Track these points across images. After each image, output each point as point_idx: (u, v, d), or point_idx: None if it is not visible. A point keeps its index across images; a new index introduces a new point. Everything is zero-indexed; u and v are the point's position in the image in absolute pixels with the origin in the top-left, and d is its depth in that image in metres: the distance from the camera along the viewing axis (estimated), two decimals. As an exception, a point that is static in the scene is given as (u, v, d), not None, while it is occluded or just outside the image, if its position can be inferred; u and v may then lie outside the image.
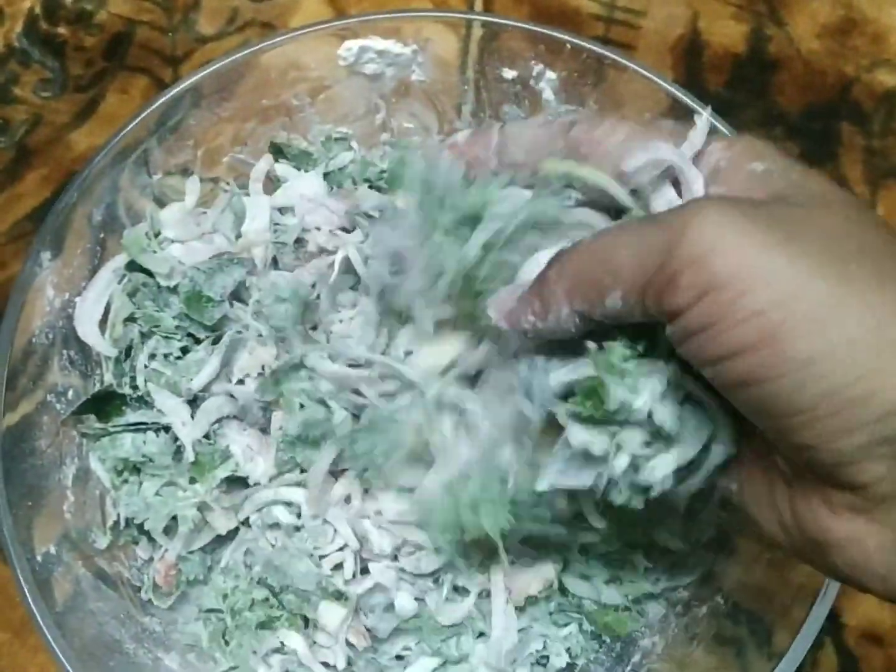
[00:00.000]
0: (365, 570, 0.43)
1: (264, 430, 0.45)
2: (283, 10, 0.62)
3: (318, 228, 0.47)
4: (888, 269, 0.27)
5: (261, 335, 0.44)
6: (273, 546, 0.43)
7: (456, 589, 0.43)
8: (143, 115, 0.44)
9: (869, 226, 0.28)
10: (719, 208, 0.27)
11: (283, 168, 0.49)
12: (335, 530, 0.42)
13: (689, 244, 0.26)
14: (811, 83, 0.61)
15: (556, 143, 0.34)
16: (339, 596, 0.42)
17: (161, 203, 0.47)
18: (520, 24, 0.48)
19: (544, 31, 0.47)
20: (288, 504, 0.43)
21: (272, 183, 0.50)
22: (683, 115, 0.46)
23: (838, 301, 0.25)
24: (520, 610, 0.44)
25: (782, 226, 0.27)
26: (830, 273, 0.26)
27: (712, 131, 0.34)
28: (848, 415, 0.25)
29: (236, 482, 0.44)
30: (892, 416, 0.25)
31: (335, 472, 0.43)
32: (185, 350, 0.45)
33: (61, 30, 0.63)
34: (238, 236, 0.48)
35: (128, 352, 0.45)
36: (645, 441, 0.30)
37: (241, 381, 0.44)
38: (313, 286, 0.45)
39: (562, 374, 0.32)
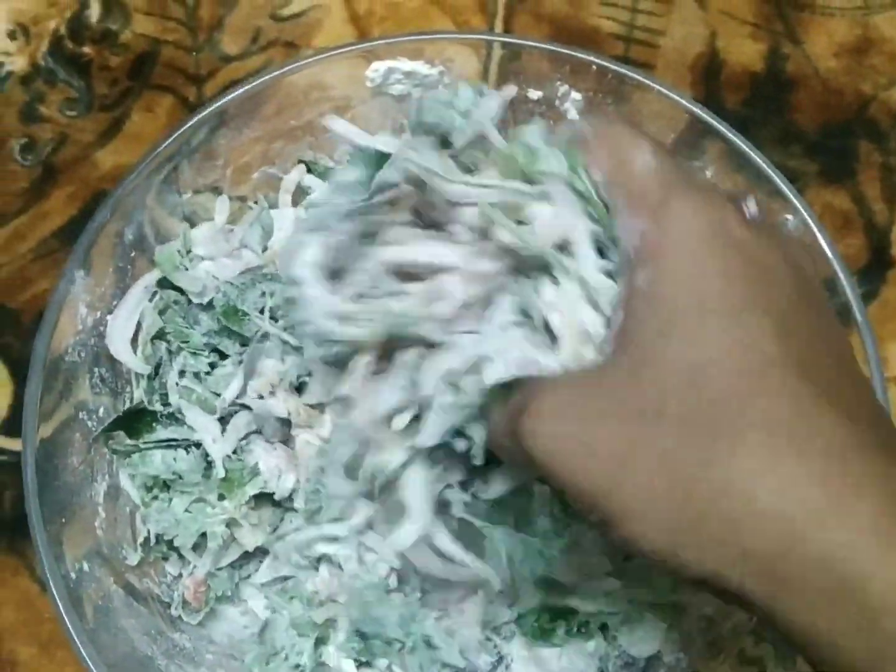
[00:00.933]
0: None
1: (286, 442, 0.45)
2: (306, 30, 0.63)
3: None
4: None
5: (286, 343, 0.44)
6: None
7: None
8: (174, 136, 0.45)
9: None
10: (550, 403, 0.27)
11: (311, 179, 0.50)
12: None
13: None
14: (829, 101, 0.62)
15: None
16: None
17: (191, 222, 0.48)
18: (543, 46, 0.48)
19: (564, 50, 0.48)
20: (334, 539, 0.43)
21: (302, 194, 0.51)
22: (703, 133, 0.47)
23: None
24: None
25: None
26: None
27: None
28: None
29: (263, 498, 0.45)
30: None
31: None
32: (212, 366, 0.46)
33: (87, 49, 0.64)
34: (265, 249, 0.49)
35: (157, 369, 0.45)
36: None
37: (262, 396, 0.45)
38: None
39: None
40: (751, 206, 0.31)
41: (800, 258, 0.29)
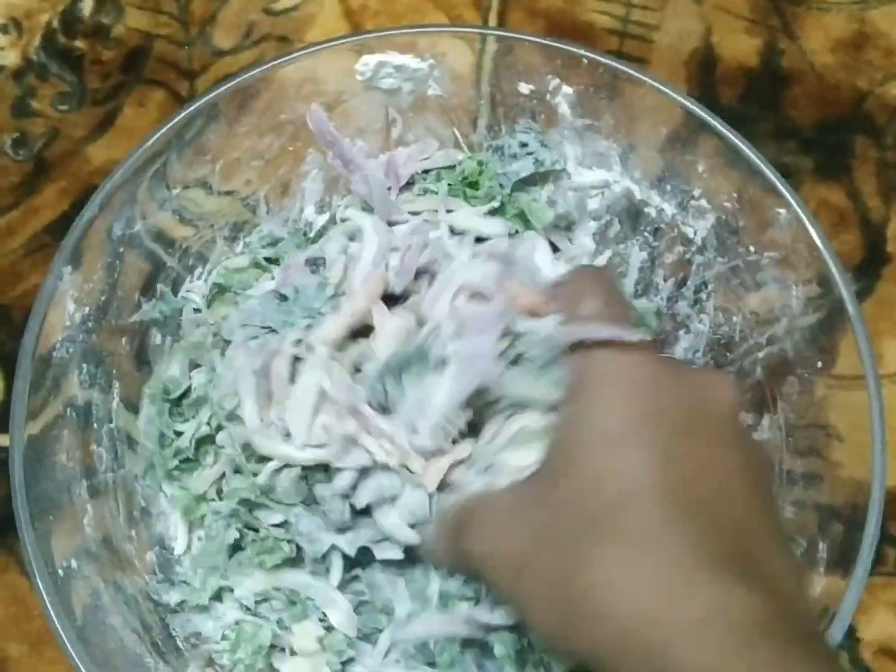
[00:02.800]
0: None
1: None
2: (299, 25, 0.63)
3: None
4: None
5: None
6: None
7: None
8: (163, 130, 0.45)
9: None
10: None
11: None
12: None
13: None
14: (824, 97, 0.61)
15: None
16: None
17: (180, 216, 0.48)
18: (534, 39, 0.48)
19: (558, 45, 0.47)
20: None
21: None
22: (697, 129, 0.46)
23: None
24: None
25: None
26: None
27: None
28: None
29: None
30: None
31: None
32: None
33: (79, 43, 0.63)
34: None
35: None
36: None
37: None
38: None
39: None
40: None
41: (706, 395, 0.33)
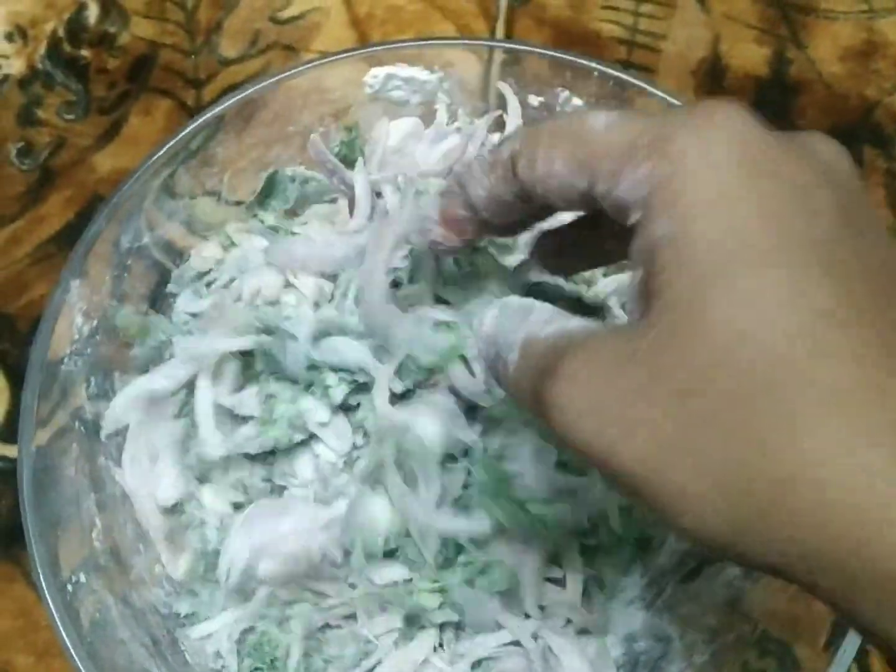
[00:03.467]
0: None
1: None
2: (305, 33, 0.63)
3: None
4: None
5: None
6: None
7: None
8: (172, 142, 0.45)
9: None
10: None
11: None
12: None
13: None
14: (833, 106, 0.61)
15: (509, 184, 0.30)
16: None
17: (188, 227, 0.48)
18: (544, 52, 0.48)
19: (566, 56, 0.47)
20: None
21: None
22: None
23: None
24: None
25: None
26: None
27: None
28: None
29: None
30: None
31: None
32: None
33: (84, 52, 0.63)
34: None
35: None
36: None
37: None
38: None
39: None
40: None
41: (836, 163, 0.26)
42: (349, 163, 0.49)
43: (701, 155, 0.24)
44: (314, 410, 0.42)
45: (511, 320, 0.28)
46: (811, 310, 0.22)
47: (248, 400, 0.42)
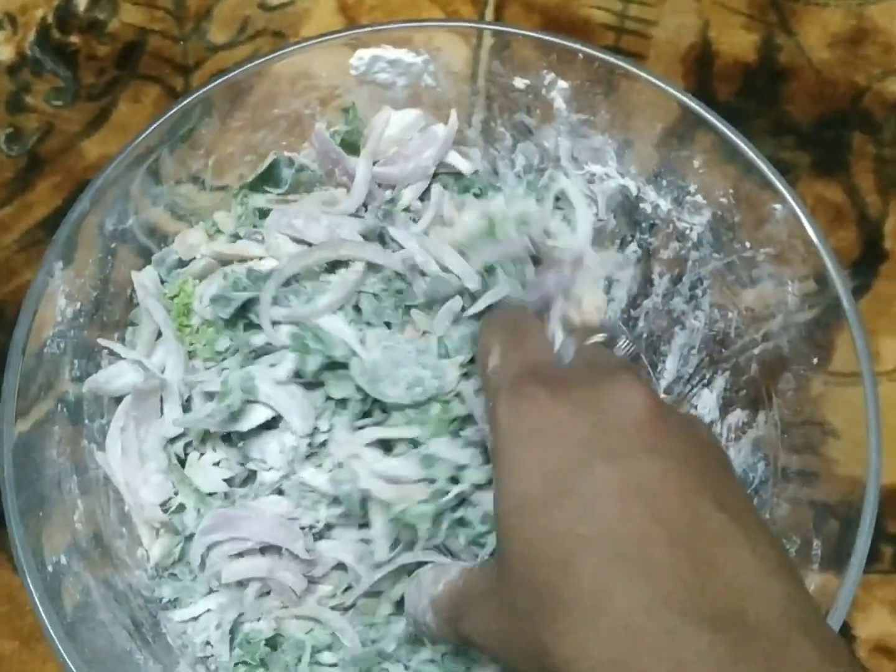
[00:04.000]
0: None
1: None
2: (294, 20, 0.62)
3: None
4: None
5: None
6: None
7: None
8: (156, 125, 0.44)
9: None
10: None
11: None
12: None
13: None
14: (822, 92, 0.61)
15: None
16: None
17: (173, 212, 0.48)
18: (530, 34, 0.48)
19: (555, 40, 0.47)
20: None
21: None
22: (694, 124, 0.46)
23: None
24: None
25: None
26: None
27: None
28: None
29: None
30: None
31: None
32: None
33: (73, 39, 0.63)
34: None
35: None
36: None
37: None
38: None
39: None
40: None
41: (623, 398, 0.31)
42: (347, 146, 0.49)
43: (509, 427, 0.32)
44: (263, 372, 0.42)
45: (417, 593, 0.38)
46: (579, 543, 0.29)
47: (213, 377, 0.42)
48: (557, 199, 0.50)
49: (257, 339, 0.43)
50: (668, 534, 0.28)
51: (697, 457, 0.30)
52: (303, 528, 0.42)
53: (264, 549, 0.43)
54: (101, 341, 0.44)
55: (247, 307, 0.43)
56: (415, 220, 0.47)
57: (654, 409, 0.31)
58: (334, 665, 0.43)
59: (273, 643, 0.43)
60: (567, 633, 0.28)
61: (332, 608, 0.43)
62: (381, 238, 0.46)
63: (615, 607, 0.27)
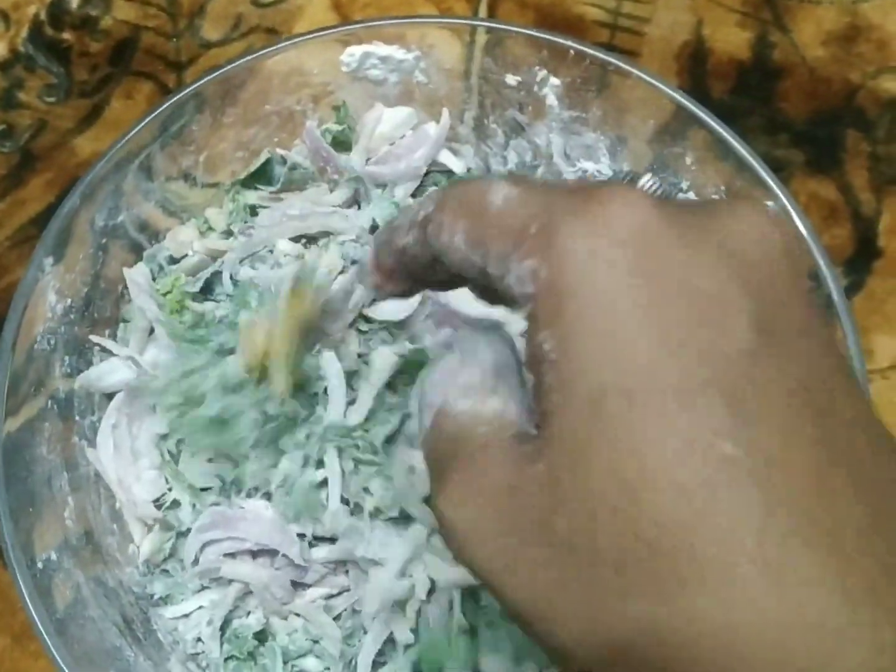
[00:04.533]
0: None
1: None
2: (288, 17, 0.62)
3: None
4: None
5: None
6: None
7: None
8: (147, 121, 0.44)
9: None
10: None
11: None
12: None
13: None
14: (816, 90, 0.61)
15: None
16: None
17: (164, 209, 0.47)
18: (524, 30, 0.48)
19: (548, 36, 0.47)
20: None
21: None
22: (687, 122, 0.46)
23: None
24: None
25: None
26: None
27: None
28: None
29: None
30: None
31: None
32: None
33: (66, 35, 0.63)
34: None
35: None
36: None
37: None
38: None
39: None
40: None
41: (761, 248, 0.22)
42: (338, 143, 0.49)
43: (589, 256, 0.21)
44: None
45: (442, 365, 0.26)
46: (710, 460, 0.19)
47: None
48: None
49: (220, 311, 0.43)
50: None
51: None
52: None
53: (256, 553, 0.43)
54: (94, 338, 0.44)
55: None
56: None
57: (797, 261, 0.22)
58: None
59: (262, 637, 0.43)
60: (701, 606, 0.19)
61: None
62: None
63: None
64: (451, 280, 0.27)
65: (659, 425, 0.19)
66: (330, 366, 0.42)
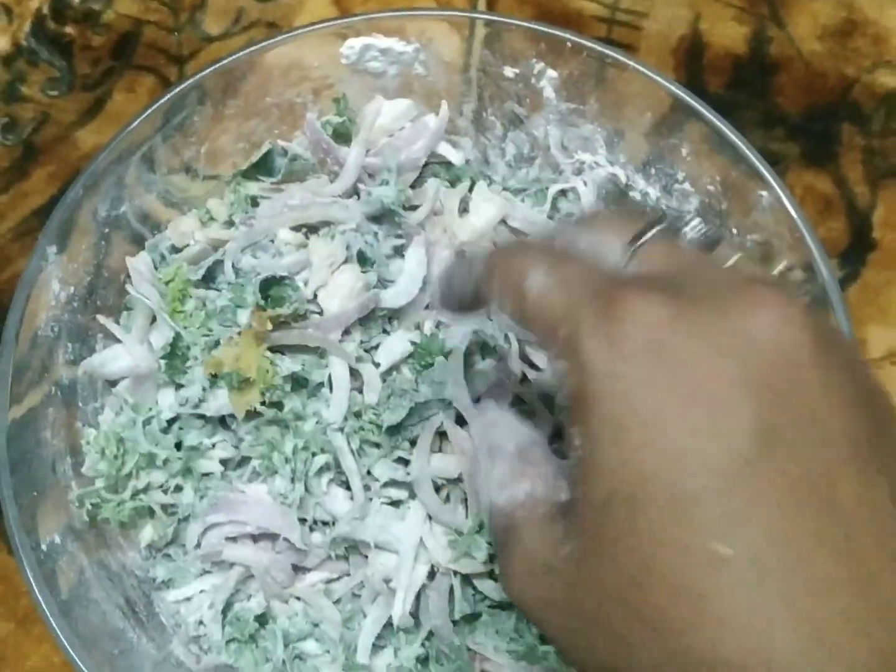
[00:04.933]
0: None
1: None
2: (288, 11, 0.63)
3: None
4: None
5: None
6: None
7: None
8: (149, 111, 0.45)
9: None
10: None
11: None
12: None
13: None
14: (812, 84, 0.62)
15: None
16: None
17: (166, 200, 0.48)
18: (522, 23, 0.48)
19: (546, 29, 0.48)
20: None
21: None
22: (684, 114, 0.46)
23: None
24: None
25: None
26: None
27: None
28: None
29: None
30: None
31: None
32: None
33: (69, 29, 0.64)
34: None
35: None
36: None
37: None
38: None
39: None
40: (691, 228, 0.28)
41: (774, 346, 0.23)
42: (338, 135, 0.49)
43: (608, 367, 0.23)
44: None
45: (482, 468, 0.30)
46: (701, 561, 0.22)
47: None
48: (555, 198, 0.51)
49: (221, 300, 0.44)
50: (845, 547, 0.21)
51: (868, 419, 0.23)
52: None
53: (257, 538, 0.43)
54: (100, 318, 0.44)
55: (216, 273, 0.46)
56: (405, 208, 0.47)
57: (814, 343, 0.23)
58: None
59: (262, 620, 0.43)
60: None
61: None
62: (379, 220, 0.47)
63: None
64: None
65: (656, 530, 0.22)
66: (336, 371, 0.43)
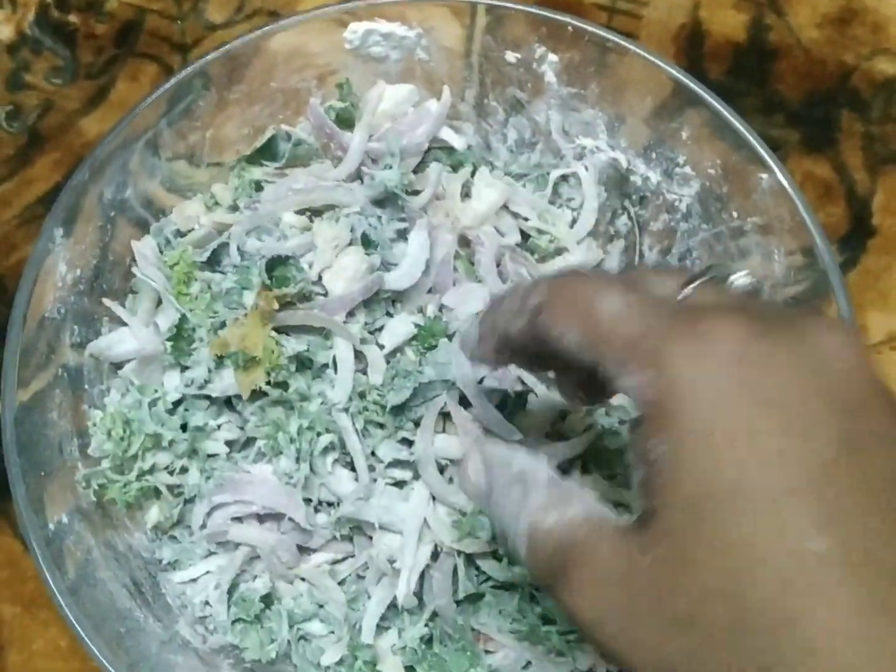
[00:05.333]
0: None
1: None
2: (290, -1, 0.63)
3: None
4: None
5: None
6: None
7: None
8: (155, 96, 0.45)
9: None
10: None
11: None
12: None
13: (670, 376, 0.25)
14: (811, 71, 0.62)
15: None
16: None
17: (169, 187, 0.48)
18: (524, 8, 0.49)
19: (548, 14, 0.48)
20: None
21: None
22: (685, 99, 0.47)
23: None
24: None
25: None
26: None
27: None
28: None
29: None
30: None
31: None
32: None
33: (72, 18, 0.64)
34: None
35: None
36: None
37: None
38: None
39: None
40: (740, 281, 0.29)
41: (840, 358, 0.25)
42: (342, 120, 0.50)
43: (695, 377, 0.25)
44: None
45: (508, 496, 0.30)
46: (806, 556, 0.22)
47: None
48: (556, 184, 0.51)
49: (226, 283, 0.44)
50: None
51: None
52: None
53: (262, 518, 0.44)
54: (106, 301, 0.45)
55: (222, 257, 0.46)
56: (407, 192, 0.48)
57: (871, 363, 0.25)
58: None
59: (268, 600, 0.44)
60: None
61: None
62: (382, 204, 0.47)
63: None
64: (543, 359, 0.31)
65: (758, 526, 0.23)
66: (341, 352, 0.43)
